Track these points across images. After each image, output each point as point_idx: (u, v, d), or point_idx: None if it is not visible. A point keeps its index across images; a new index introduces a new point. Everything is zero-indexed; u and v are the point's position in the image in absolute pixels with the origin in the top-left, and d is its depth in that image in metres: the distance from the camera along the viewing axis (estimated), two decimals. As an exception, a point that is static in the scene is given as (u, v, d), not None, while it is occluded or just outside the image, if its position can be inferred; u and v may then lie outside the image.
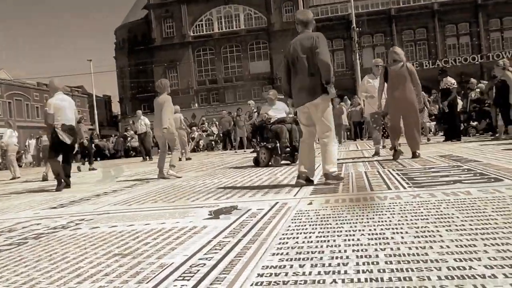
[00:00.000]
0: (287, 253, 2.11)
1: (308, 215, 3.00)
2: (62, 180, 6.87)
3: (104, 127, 58.90)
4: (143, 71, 52.53)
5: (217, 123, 23.11)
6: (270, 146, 7.98)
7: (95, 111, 44.98)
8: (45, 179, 9.67)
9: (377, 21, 47.04)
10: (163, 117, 7.25)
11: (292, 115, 8.27)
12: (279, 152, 7.88)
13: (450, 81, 10.81)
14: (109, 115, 72.80)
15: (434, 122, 17.24)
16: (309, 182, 4.62)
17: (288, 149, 7.96)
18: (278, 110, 8.50)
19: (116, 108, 59.62)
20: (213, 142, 23.31)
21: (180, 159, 13.15)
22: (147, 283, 1.84)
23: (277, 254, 2.10)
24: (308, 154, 4.69)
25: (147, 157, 15.76)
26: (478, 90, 13.35)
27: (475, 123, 13.13)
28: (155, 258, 2.24)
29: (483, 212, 2.65)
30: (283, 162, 7.92)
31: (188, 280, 1.83)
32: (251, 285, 1.71)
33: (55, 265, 2.29)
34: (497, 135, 10.06)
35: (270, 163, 7.88)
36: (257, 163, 8.14)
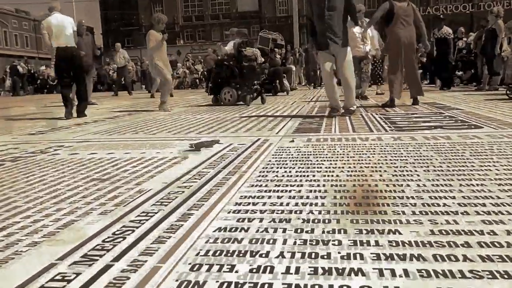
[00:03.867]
0: (266, 185, 2.12)
1: (289, 152, 3.01)
2: (70, 106, 6.62)
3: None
4: (127, 2, 50.63)
5: (202, 60, 22.69)
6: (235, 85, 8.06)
7: (77, 43, 43.64)
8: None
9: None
10: (148, 53, 7.21)
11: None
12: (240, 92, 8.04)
13: (448, 31, 10.80)
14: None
15: (421, 70, 17.17)
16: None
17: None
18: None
19: (99, 41, 57.98)
20: (197, 80, 22.99)
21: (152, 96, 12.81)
22: (124, 206, 1.84)
23: (256, 186, 2.11)
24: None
25: (127, 92, 15.51)
26: (465, 39, 13.25)
27: (460, 73, 13.12)
28: (133, 184, 2.23)
29: (461, 155, 2.68)
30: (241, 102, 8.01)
31: (166, 205, 1.84)
32: (229, 212, 1.72)
33: (32, 186, 2.27)
34: (481, 85, 10.10)
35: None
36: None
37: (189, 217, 1.67)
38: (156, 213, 1.74)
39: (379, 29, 8.80)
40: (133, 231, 1.54)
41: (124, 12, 50.99)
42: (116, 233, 1.53)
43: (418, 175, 2.22)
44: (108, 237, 1.49)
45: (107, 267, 1.25)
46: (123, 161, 2.88)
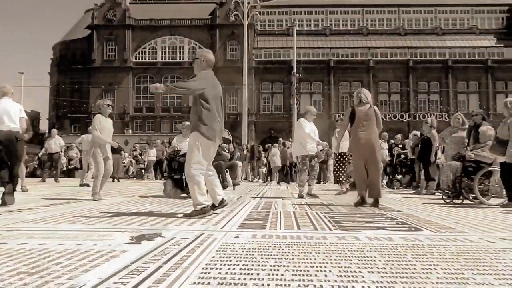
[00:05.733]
0: (208, 283, 2.03)
1: (234, 248, 2.94)
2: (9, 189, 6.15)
3: (29, 145, 55.84)
4: (78, 90, 50.93)
5: (150, 151, 22.62)
6: (176, 178, 8.05)
7: (21, 126, 42.63)
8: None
9: (316, 70, 49.15)
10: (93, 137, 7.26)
11: None
12: (184, 184, 7.78)
13: None
14: (36, 132, 69.29)
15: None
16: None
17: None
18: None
19: (44, 126, 57.12)
20: (143, 170, 22.70)
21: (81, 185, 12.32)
22: (52, 303, 1.69)
23: (198, 284, 2.02)
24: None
25: (54, 179, 15.00)
26: (401, 146, 14.09)
27: (399, 177, 13.76)
28: (65, 278, 2.07)
29: (403, 257, 2.72)
30: (183, 195, 7.85)
31: (99, 303, 1.70)
32: (167, 312, 1.61)
33: (-51, 279, 2.05)
34: (419, 189, 10.58)
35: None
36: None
37: (124, 317, 1.54)
38: (87, 312, 1.60)
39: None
40: (59, 332, 1.39)
41: (74, 100, 51.02)
42: (39, 334, 1.38)
43: (362, 277, 2.20)
44: None
45: None
46: (56, 253, 2.68)
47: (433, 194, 9.62)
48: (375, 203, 6.37)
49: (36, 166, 24.09)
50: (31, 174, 22.61)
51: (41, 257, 2.55)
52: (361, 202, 6.42)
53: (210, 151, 4.86)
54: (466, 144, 8.54)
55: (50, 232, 3.60)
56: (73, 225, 4.06)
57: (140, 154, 23.41)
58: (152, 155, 20.42)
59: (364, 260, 2.61)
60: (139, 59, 52.14)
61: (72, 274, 2.15)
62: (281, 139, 20.74)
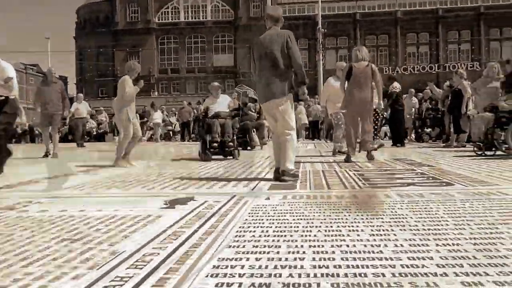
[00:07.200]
0: (243, 246, 2.08)
1: (266, 210, 2.99)
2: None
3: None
4: (104, 53, 51.17)
5: (176, 113, 22.83)
6: (205, 139, 7.95)
7: (50, 92, 43.49)
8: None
9: (342, 24, 47.87)
10: (116, 101, 6.85)
11: (228, 110, 8.35)
12: (207, 146, 7.79)
13: (395, 85, 11.19)
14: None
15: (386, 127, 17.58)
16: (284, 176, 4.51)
17: (216, 144, 7.85)
18: (220, 103, 8.48)
19: (72, 90, 58.00)
20: (170, 132, 22.98)
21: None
22: (97, 269, 1.77)
23: (234, 247, 2.07)
24: (277, 150, 4.73)
25: (77, 143, 15.08)
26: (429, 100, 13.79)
27: (428, 130, 13.56)
28: (106, 245, 2.16)
29: (435, 214, 2.72)
30: (216, 157, 7.83)
31: (140, 268, 1.77)
32: (206, 276, 1.67)
33: (-1, 247, 2.17)
34: (449, 142, 10.42)
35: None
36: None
37: (166, 282, 1.61)
38: (131, 277, 1.67)
39: None
40: (106, 297, 1.47)
41: (99, 63, 51.40)
42: (88, 299, 1.46)
43: (395, 235, 2.22)
44: (80, 305, 1.42)
45: None
46: (95, 219, 2.79)
47: (464, 146, 9.48)
48: (369, 156, 6.55)
49: (67, 131, 24.63)
50: (62, 139, 23.18)
51: (82, 224, 2.65)
52: (347, 159, 6.52)
53: (266, 113, 4.98)
54: (500, 95, 8.30)
55: (88, 198, 3.73)
56: (108, 190, 4.19)
57: (167, 116, 23.51)
58: (156, 117, 20.59)
59: (396, 218, 2.63)
60: (162, 19, 51.74)
61: (113, 240, 2.24)
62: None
